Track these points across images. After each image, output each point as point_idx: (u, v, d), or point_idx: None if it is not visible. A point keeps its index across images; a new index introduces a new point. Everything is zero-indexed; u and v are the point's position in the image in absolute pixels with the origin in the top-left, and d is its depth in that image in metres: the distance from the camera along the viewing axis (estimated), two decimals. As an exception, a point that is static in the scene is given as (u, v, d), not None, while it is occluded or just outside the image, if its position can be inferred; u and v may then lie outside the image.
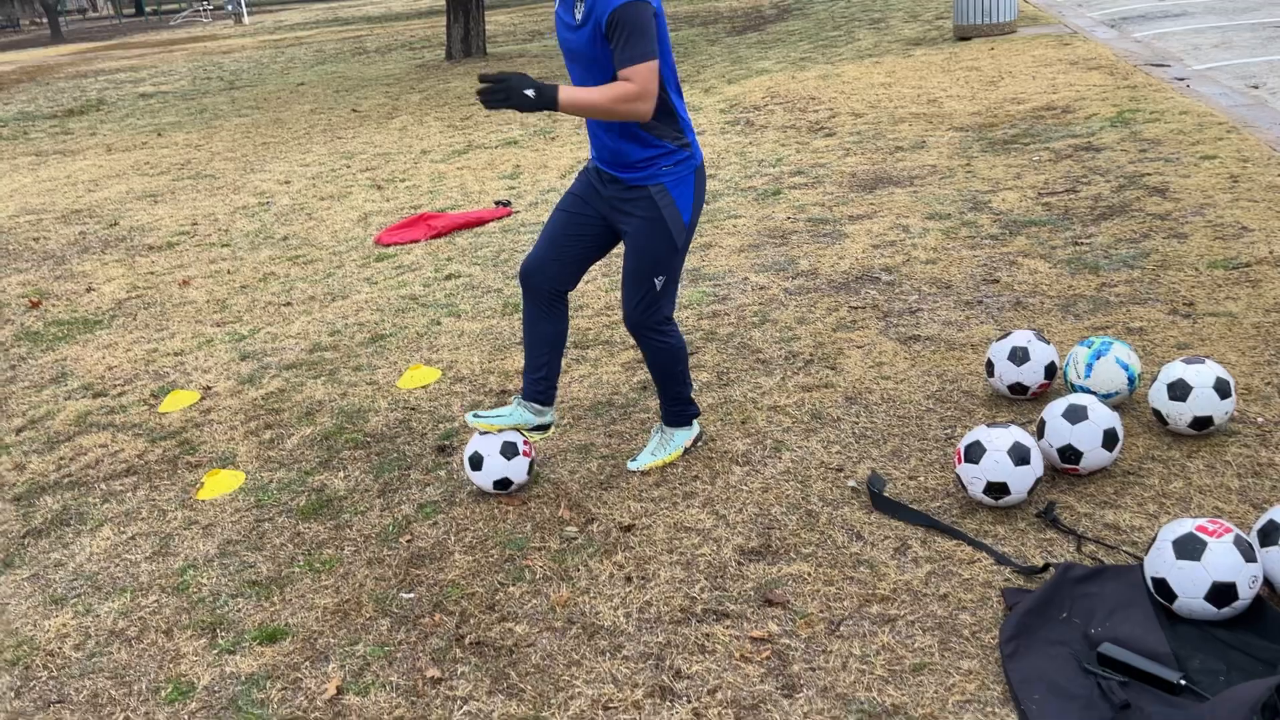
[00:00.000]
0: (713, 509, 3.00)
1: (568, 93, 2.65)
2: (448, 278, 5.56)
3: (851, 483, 3.04)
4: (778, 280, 4.85)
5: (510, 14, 25.34)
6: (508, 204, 6.88)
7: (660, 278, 2.97)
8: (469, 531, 3.04)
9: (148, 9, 55.19)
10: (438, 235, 6.40)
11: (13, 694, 2.57)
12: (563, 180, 7.41)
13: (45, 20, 41.66)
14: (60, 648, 2.73)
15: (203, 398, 4.36)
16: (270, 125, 11.74)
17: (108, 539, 3.28)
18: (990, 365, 3.41)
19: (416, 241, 6.34)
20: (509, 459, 3.13)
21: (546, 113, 10.24)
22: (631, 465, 3.28)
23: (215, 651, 2.62)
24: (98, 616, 2.85)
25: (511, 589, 2.74)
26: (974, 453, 2.77)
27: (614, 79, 2.70)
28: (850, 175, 6.51)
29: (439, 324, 4.86)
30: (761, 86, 10.07)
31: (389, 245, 6.34)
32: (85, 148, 11.65)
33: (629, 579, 2.72)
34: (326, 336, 4.90)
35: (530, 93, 2.62)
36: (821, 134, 7.75)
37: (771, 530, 2.86)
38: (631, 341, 4.34)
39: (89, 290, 6.17)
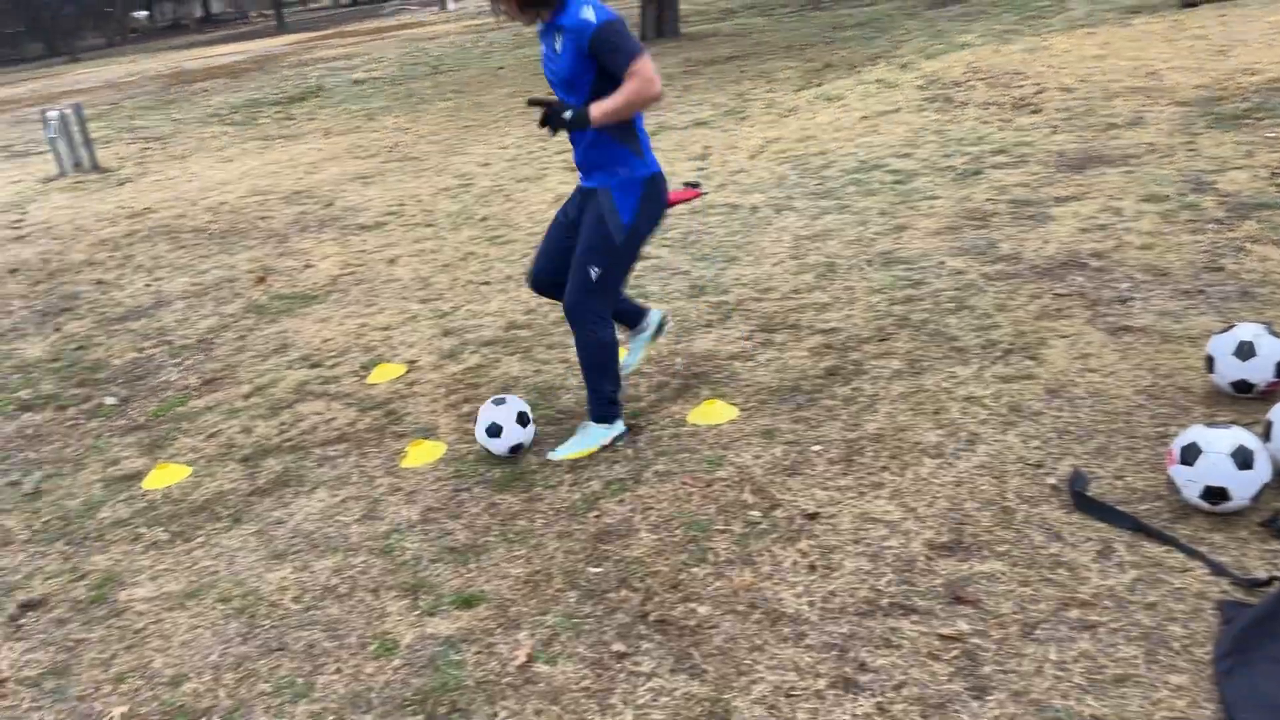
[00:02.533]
0: (901, 501, 2.93)
1: (596, 107, 3.07)
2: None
3: (1052, 480, 2.91)
4: (976, 265, 4.66)
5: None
6: (697, 185, 6.90)
7: (595, 269, 3.27)
8: (654, 510, 3.09)
9: (361, -1, 58.27)
10: (628, 216, 6.49)
11: (239, 639, 2.81)
12: (751, 161, 7.37)
13: (272, 12, 44.72)
14: (281, 599, 2.96)
15: (408, 370, 4.61)
16: (471, 109, 12.20)
17: (322, 501, 3.52)
18: (1210, 360, 3.17)
19: (608, 222, 6.45)
20: (524, 426, 3.51)
21: (737, 94, 10.21)
22: (550, 455, 3.52)
23: (416, 613, 2.78)
24: (313, 573, 3.07)
25: (695, 570, 2.77)
26: (1190, 454, 2.59)
27: (591, 96, 3.12)
28: (1058, 154, 6.17)
29: (628, 304, 4.94)
30: (962, 61, 9.67)
31: (581, 226, 6.49)
32: (306, 132, 12.45)
33: (813, 567, 2.70)
34: (521, 315, 5.07)
35: (567, 115, 3.08)
36: (1027, 110, 7.38)
37: (964, 526, 2.77)
38: (819, 326, 4.28)
39: (307, 267, 6.61)
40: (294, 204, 8.51)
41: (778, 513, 2.97)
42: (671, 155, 8.02)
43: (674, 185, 7.05)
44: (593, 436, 3.52)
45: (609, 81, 3.09)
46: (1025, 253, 4.70)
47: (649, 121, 9.42)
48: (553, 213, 6.92)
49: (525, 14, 3.21)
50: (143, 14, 58.86)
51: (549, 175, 8.06)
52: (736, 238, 5.68)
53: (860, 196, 6.05)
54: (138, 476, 3.96)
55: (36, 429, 4.61)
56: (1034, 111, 7.32)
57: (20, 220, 9.41)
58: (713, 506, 3.06)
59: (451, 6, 35.90)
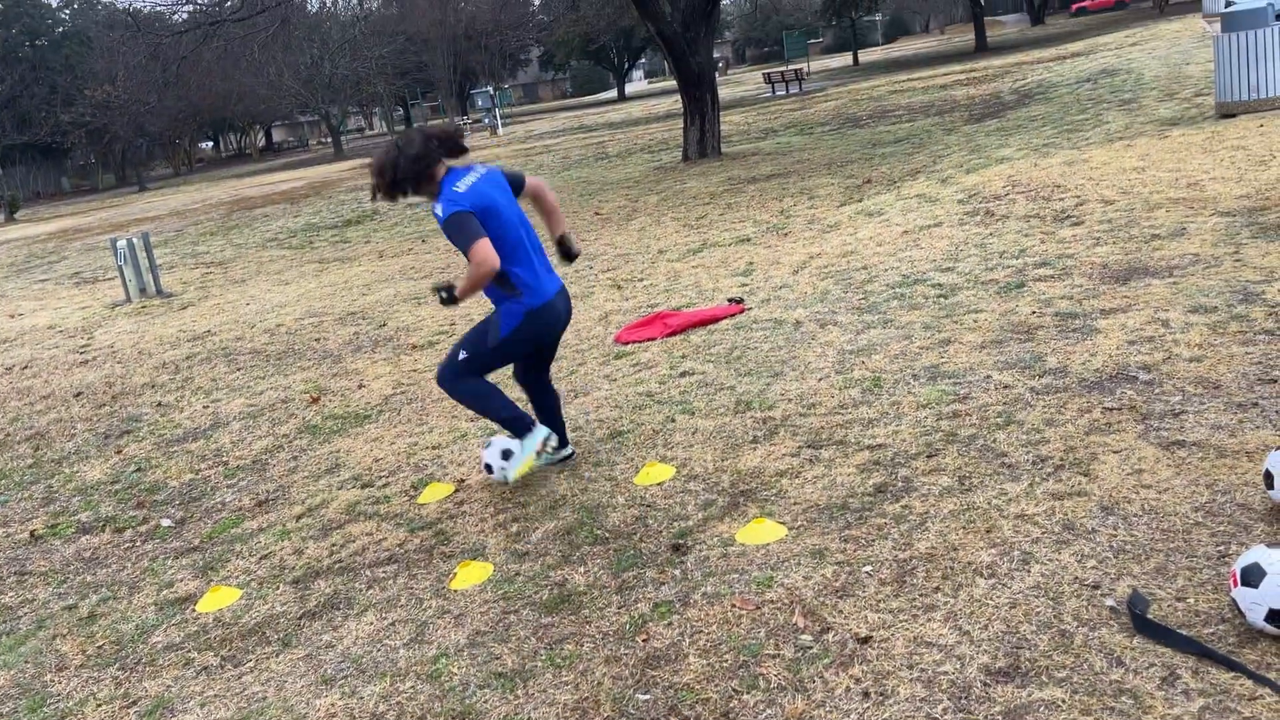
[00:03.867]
0: (955, 623, 2.87)
1: (459, 288, 3.96)
2: (682, 375, 5.69)
3: (1110, 602, 2.84)
4: (1023, 378, 4.65)
5: (744, 113, 26.06)
6: (740, 301, 7.00)
7: (464, 352, 4.16)
8: (703, 634, 3.06)
9: (416, 125, 60.67)
10: (673, 333, 6.59)
11: (287, 767, 2.80)
12: (794, 276, 7.47)
13: (330, 139, 46.66)
14: (328, 726, 2.95)
15: (456, 490, 4.65)
16: (519, 229, 12.53)
17: (371, 624, 3.53)
18: (1270, 476, 3.11)
19: (654, 339, 6.55)
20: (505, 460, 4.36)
21: (779, 211, 10.40)
22: (508, 476, 4.27)
23: (464, 741, 2.75)
24: (361, 699, 3.06)
25: (745, 697, 2.72)
26: (1252, 575, 2.53)
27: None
28: (1101, 266, 6.19)
29: (673, 421, 4.98)
30: (1002, 175, 9.80)
31: (627, 343, 6.59)
32: (360, 254, 12.86)
33: (866, 694, 2.64)
34: (569, 432, 5.11)
35: (445, 294, 4.01)
36: (1068, 223, 7.43)
37: (1020, 650, 2.70)
38: (867, 441, 4.27)
39: (360, 386, 6.75)
40: (348, 324, 8.74)
41: (829, 636, 2.92)
42: (715, 271, 8.15)
43: (717, 301, 7.16)
44: (523, 449, 4.19)
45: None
46: (1073, 366, 4.68)
47: (691, 238, 9.63)
48: (599, 330, 7.06)
49: (395, 199, 4.07)
50: (208, 144, 61.69)
51: (595, 293, 8.22)
52: (781, 352, 5.73)
53: (904, 310, 6.09)
54: (191, 599, 4.00)
55: (94, 551, 4.69)
56: (1075, 224, 7.37)
57: (86, 345, 9.75)
58: (763, 630, 3.02)
59: (501, 132, 37.23)
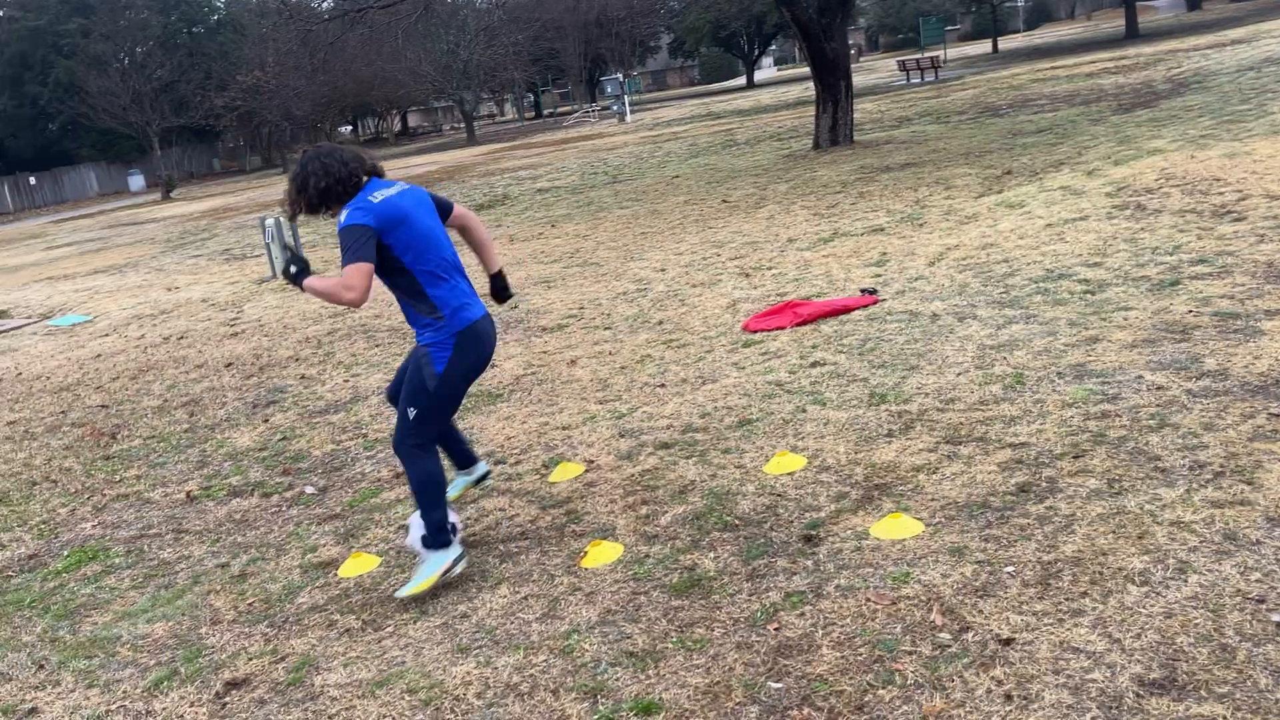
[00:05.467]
0: (1105, 631, 2.76)
1: (309, 280, 3.57)
2: (813, 365, 5.62)
3: (1277, 618, 2.68)
4: (1178, 380, 4.42)
5: (878, 101, 25.53)
6: (874, 292, 6.86)
7: (412, 410, 3.67)
8: (836, 626, 3.02)
9: (545, 111, 61.59)
10: (804, 323, 6.51)
11: (425, 730, 2.88)
12: (930, 268, 7.29)
13: (463, 125, 47.75)
14: (465, 694, 3.03)
15: (586, 470, 4.70)
16: (648, 216, 12.58)
17: (504, 597, 3.60)
18: None
19: (783, 329, 6.49)
20: None
21: (914, 201, 10.16)
22: (398, 594, 3.66)
23: (596, 717, 2.79)
24: (495, 669, 3.13)
25: (881, 692, 2.67)
26: None
27: (380, 268, 3.53)
28: (1266, 265, 5.84)
29: (804, 411, 4.92)
30: (1154, 167, 9.34)
31: (756, 332, 6.54)
32: (492, 238, 13.11)
33: (1009, 697, 2.56)
34: (697, 418, 5.11)
35: (292, 270, 3.67)
36: (1229, 218, 7.03)
37: (1176, 662, 2.58)
38: (1009, 440, 4.14)
39: (494, 366, 6.88)
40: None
41: (969, 636, 2.84)
42: (847, 261, 8.02)
43: (850, 292, 7.04)
44: (432, 564, 3.68)
45: (388, 266, 3.56)
46: (1234, 369, 4.43)
47: (822, 227, 9.49)
48: (727, 317, 7.04)
49: (318, 215, 3.68)
50: (347, 129, 63.93)
51: (723, 280, 8.19)
52: (917, 345, 5.60)
53: (1048, 306, 5.87)
54: (333, 564, 4.16)
55: (244, 514, 4.93)
56: (1237, 219, 6.96)
57: (236, 318, 10.24)
58: (898, 625, 2.96)
59: (629, 119, 37.41)
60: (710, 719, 2.69)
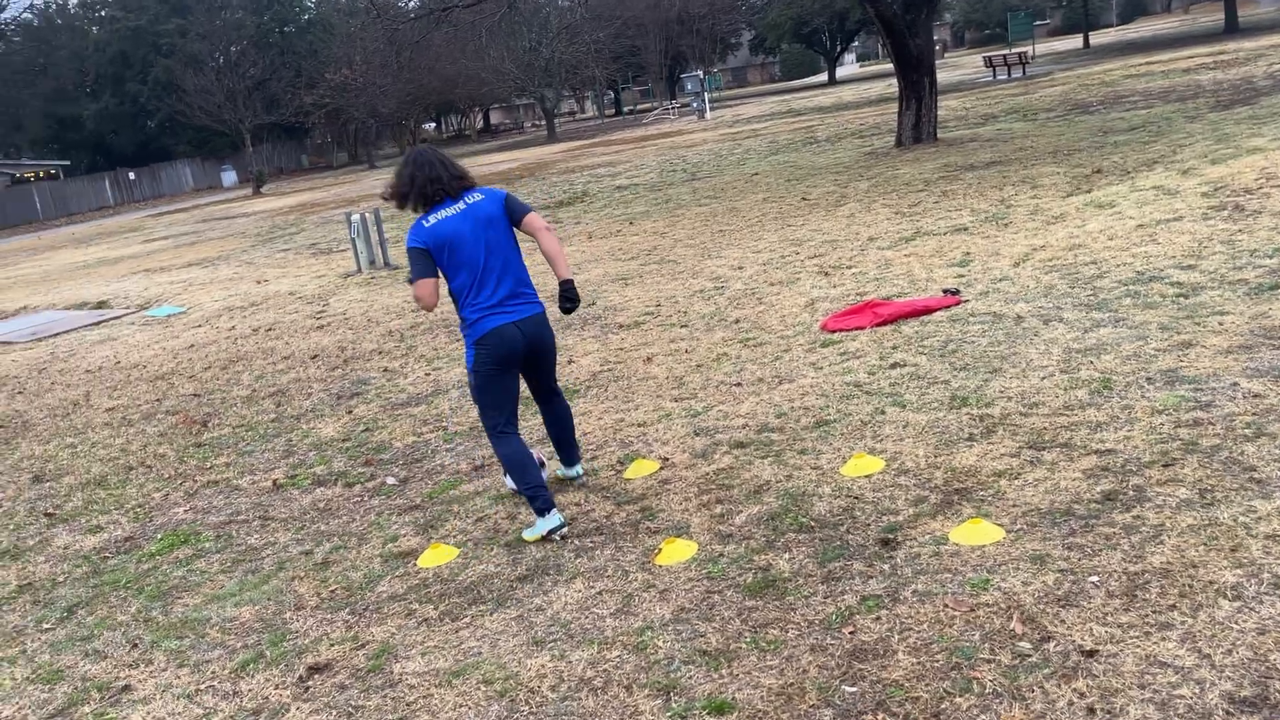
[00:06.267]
0: (1194, 645, 2.67)
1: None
2: (893, 366, 5.55)
3: (1379, 638, 2.57)
4: (1276, 388, 4.26)
5: (962, 98, 25.05)
6: (957, 292, 6.74)
7: (467, 388, 4.67)
8: (913, 632, 2.98)
9: (625, 109, 61.79)
10: (884, 323, 6.43)
11: (500, 721, 2.93)
12: (1015, 269, 7.13)
13: (544, 122, 48.19)
14: (539, 686, 3.07)
15: (661, 468, 4.72)
16: (726, 213, 12.54)
17: (579, 591, 3.64)
18: None
19: (862, 329, 6.41)
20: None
21: (999, 200, 9.94)
22: (524, 534, 4.24)
23: (669, 714, 2.80)
24: (570, 663, 3.17)
25: (958, 699, 2.63)
26: None
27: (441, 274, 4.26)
28: (1374, 268, 5.58)
29: (883, 413, 4.86)
30: (1254, 166, 9.00)
31: (835, 331, 6.48)
32: (571, 235, 13.21)
33: (1091, 710, 2.50)
34: (774, 418, 5.09)
35: (410, 278, 4.26)
36: (1334, 220, 6.74)
37: (1270, 680, 2.49)
38: (1094, 446, 4.03)
39: (570, 362, 6.94)
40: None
41: (1050, 646, 2.78)
42: (929, 261, 7.89)
43: (932, 292, 6.92)
44: (536, 528, 4.19)
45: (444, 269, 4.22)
46: (1337, 377, 4.25)
47: (904, 226, 9.35)
48: (805, 316, 6.98)
49: (403, 208, 4.36)
50: (431, 126, 64.97)
51: (801, 279, 8.13)
52: (1000, 348, 5.49)
53: (1138, 309, 5.70)
54: (413, 554, 4.25)
55: (328, 503, 5.05)
56: (1343, 220, 6.67)
57: (322, 311, 10.49)
58: (977, 633, 2.91)
59: (708, 116, 37.32)
60: (783, 720, 2.68)
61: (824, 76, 58.22)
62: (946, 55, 61.68)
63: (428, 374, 7.24)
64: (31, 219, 45.62)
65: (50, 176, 50.86)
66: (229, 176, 50.43)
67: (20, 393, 8.75)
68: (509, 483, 4.65)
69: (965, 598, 3.10)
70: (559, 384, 4.75)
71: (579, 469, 4.72)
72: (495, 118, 72.72)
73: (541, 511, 4.15)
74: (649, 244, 11.33)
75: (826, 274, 8.17)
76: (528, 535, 4.22)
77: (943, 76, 31.05)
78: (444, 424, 5.99)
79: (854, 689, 2.76)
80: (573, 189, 19.23)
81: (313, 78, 45.48)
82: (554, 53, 43.70)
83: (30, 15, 54.47)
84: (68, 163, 51.52)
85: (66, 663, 3.76)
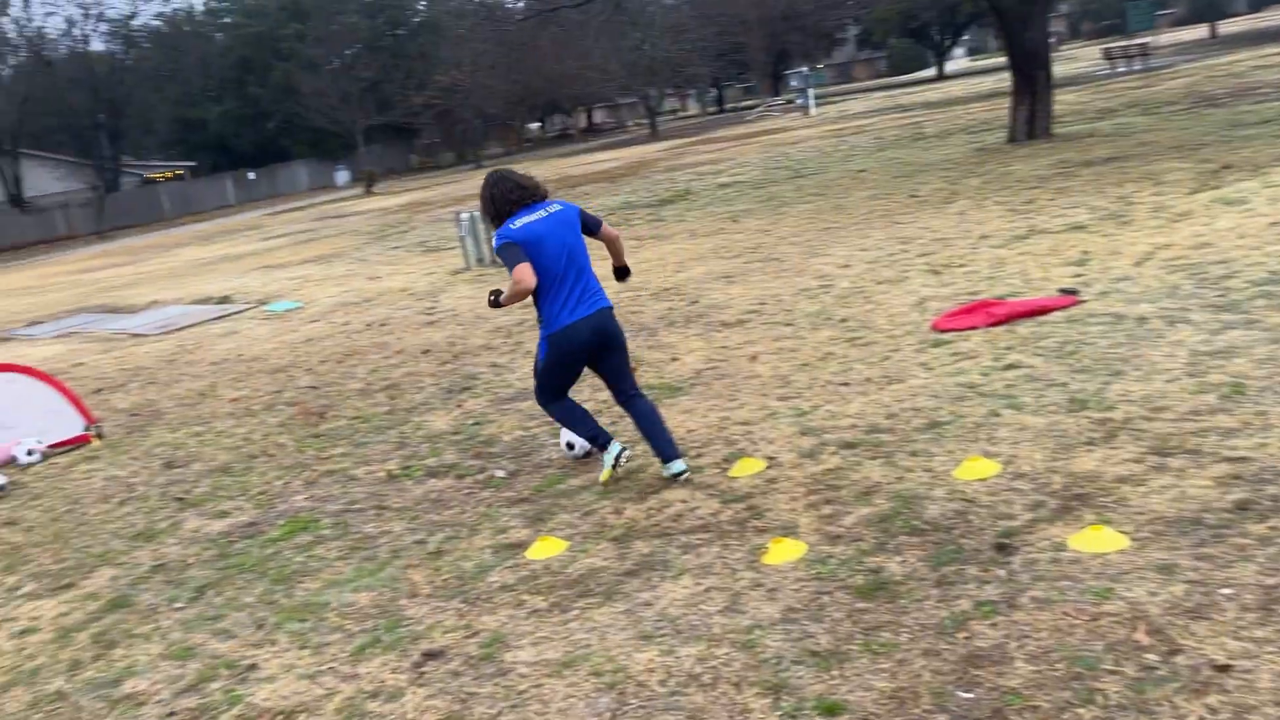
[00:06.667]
0: (1337, 664, 2.54)
1: (504, 294, 4.65)
2: (1008, 368, 5.41)
3: None
4: None
5: (1079, 92, 24.24)
6: (1074, 292, 6.53)
7: (535, 377, 4.98)
8: (1031, 639, 2.90)
9: (728, 106, 61.59)
10: (998, 323, 6.27)
11: (610, 714, 2.96)
12: (1137, 269, 6.87)
13: (647, 120, 48.38)
14: (648, 680, 3.09)
15: (768, 467, 4.69)
16: (832, 211, 12.40)
17: (687, 588, 3.65)
18: None
19: (975, 329, 6.27)
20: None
21: (1118, 197, 9.59)
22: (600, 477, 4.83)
23: (779, 713, 2.79)
24: (678, 658, 3.18)
25: (1080, 710, 2.56)
26: None
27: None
28: None
29: (998, 415, 4.74)
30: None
31: (946, 331, 6.35)
32: (674, 233, 13.24)
33: (1224, 727, 2.40)
34: (883, 419, 5.01)
35: (492, 297, 4.75)
36: None
37: None
38: (1226, 453, 3.86)
39: (674, 359, 6.96)
40: (662, 300, 9.04)
41: (1179, 659, 2.68)
42: (1045, 260, 7.67)
43: (1047, 292, 6.73)
44: (604, 461, 4.77)
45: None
46: None
47: (1017, 224, 9.09)
48: (915, 316, 6.86)
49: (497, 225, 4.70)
50: (535, 126, 65.88)
51: (910, 278, 7.98)
52: (1121, 350, 5.30)
53: (1272, 311, 5.44)
54: (522, 546, 4.32)
55: (439, 494, 5.18)
56: None
57: (432, 307, 10.74)
58: (1100, 643, 2.82)
59: (813, 112, 36.94)
60: (896, 724, 2.64)
61: (932, 71, 57.04)
62: (1062, 48, 59.71)
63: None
64: (159, 218, 47.84)
65: (177, 177, 53.29)
66: (342, 176, 51.99)
67: (152, 383, 9.20)
68: (568, 450, 5.26)
69: (1087, 606, 3.01)
70: (640, 386, 5.05)
71: (681, 464, 4.72)
72: (598, 117, 73.31)
73: (604, 446, 4.76)
74: (753, 241, 11.27)
75: (937, 272, 8.01)
76: (602, 477, 4.77)
77: (1058, 70, 30.12)
78: (550, 420, 6.07)
79: (970, 695, 2.70)
80: (675, 187, 19.26)
81: (422, 79, 46.58)
82: (658, 51, 43.83)
83: (160, 23, 57.07)
84: (194, 164, 53.90)
85: (197, 640, 3.94)
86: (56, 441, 7.15)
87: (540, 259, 4.55)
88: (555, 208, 4.71)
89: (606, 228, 4.90)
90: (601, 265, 4.85)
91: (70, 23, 73.52)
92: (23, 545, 5.40)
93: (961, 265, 8.08)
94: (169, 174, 53.76)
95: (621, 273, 5.24)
